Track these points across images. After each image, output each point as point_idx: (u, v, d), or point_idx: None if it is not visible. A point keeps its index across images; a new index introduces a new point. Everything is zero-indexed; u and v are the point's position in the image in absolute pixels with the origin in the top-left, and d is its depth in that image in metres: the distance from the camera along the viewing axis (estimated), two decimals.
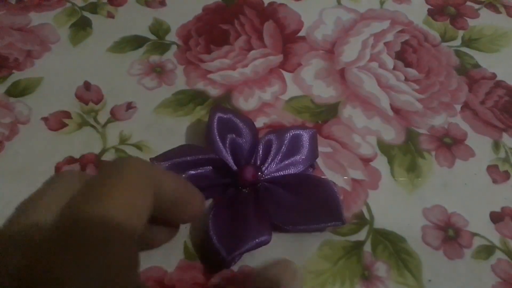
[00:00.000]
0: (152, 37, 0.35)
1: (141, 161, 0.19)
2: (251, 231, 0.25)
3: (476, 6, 0.39)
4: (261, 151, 0.28)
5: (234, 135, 0.28)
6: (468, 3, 0.40)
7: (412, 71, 0.34)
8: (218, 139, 0.28)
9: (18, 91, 0.31)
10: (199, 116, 0.31)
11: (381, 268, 0.26)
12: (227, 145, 0.28)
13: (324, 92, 0.33)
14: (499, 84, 0.34)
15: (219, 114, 0.28)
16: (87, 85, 0.32)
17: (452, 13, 0.39)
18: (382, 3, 0.39)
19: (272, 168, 0.28)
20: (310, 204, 0.26)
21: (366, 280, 0.25)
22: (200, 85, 0.33)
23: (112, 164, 0.18)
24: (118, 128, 0.30)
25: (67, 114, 0.31)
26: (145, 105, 0.31)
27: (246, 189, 0.27)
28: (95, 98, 0.31)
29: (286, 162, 0.28)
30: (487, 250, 0.27)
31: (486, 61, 0.36)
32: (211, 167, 0.27)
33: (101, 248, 0.15)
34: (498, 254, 0.27)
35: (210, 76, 0.33)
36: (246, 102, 0.32)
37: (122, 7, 0.37)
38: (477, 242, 0.27)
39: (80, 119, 0.30)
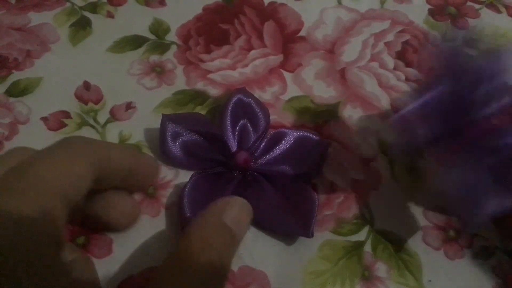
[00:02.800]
0: (152, 37, 0.35)
1: (83, 138, 0.21)
2: None
3: (477, 6, 0.39)
4: (266, 142, 0.29)
5: (247, 121, 0.29)
6: (469, 3, 0.40)
7: (413, 71, 0.34)
8: (228, 118, 0.29)
9: (18, 91, 0.31)
10: None
11: (381, 269, 0.26)
12: (237, 127, 0.29)
13: (325, 92, 0.33)
14: None
15: (239, 96, 0.29)
16: (86, 85, 0.32)
17: (452, 13, 0.39)
18: (382, 3, 0.39)
19: (269, 162, 0.28)
20: (287, 207, 0.26)
21: (366, 281, 0.25)
22: (200, 85, 0.33)
23: (57, 141, 0.20)
24: (118, 128, 0.30)
25: (67, 114, 0.31)
26: (145, 105, 0.31)
27: (236, 172, 0.27)
28: (94, 98, 0.31)
29: (286, 161, 0.28)
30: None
31: None
32: (210, 140, 0.28)
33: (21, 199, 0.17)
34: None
35: (210, 76, 0.33)
36: None
37: (122, 7, 0.37)
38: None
39: (79, 119, 0.30)
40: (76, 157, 0.19)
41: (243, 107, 0.29)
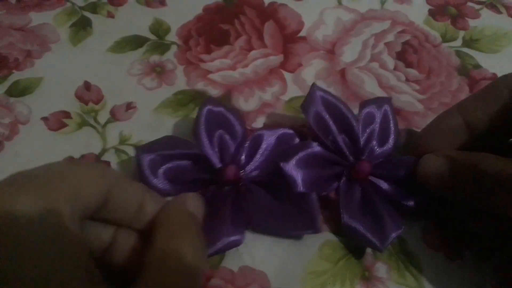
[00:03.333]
0: (152, 37, 0.35)
1: (96, 164, 0.22)
2: (225, 230, 0.24)
3: (477, 7, 0.39)
4: (247, 148, 0.28)
5: (223, 131, 0.27)
6: (469, 4, 0.40)
7: (413, 72, 0.34)
8: (204, 134, 0.27)
9: (18, 91, 0.31)
10: None
11: (381, 269, 0.26)
12: (214, 140, 0.27)
13: None
14: None
15: (209, 107, 0.27)
16: (87, 85, 0.32)
17: (453, 13, 0.39)
18: (382, 3, 0.39)
19: (256, 167, 0.27)
20: (288, 208, 0.26)
21: (366, 281, 0.25)
22: (200, 85, 0.33)
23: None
24: (118, 128, 0.30)
25: (67, 114, 0.31)
26: (145, 105, 0.31)
27: (227, 187, 0.26)
28: (95, 98, 0.31)
29: (273, 162, 0.27)
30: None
31: (487, 62, 0.35)
32: (191, 161, 0.27)
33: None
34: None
35: (210, 76, 0.33)
36: (246, 102, 0.32)
37: (122, 7, 0.37)
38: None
39: (80, 119, 0.30)
40: (85, 168, 0.19)
41: (215, 117, 0.27)
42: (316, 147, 0.26)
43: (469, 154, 0.24)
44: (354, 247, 0.26)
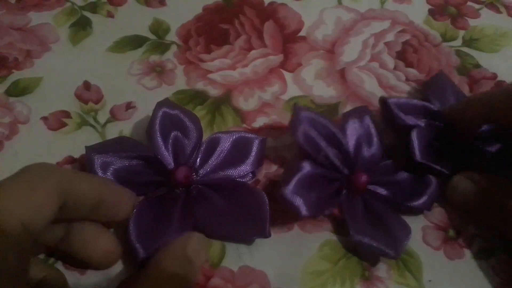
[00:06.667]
0: (152, 36, 0.35)
1: (46, 165, 0.21)
2: (170, 233, 0.24)
3: (477, 6, 0.39)
4: (202, 151, 0.27)
5: (178, 133, 0.27)
6: (469, 3, 0.40)
7: (413, 71, 0.34)
8: (158, 135, 0.26)
9: (18, 90, 0.31)
10: (199, 116, 0.31)
11: (381, 269, 0.26)
12: (169, 142, 0.26)
13: (325, 92, 0.33)
14: (500, 84, 0.34)
15: (164, 109, 0.27)
16: (86, 85, 0.32)
17: (452, 13, 0.39)
18: (382, 3, 0.39)
19: (210, 171, 0.27)
20: (239, 213, 0.25)
21: (366, 281, 0.25)
22: (200, 85, 0.33)
23: (19, 170, 0.20)
24: (118, 127, 0.30)
25: (67, 114, 0.31)
26: (145, 105, 0.31)
27: (178, 190, 0.26)
28: (94, 97, 0.31)
29: (228, 166, 0.27)
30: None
31: (487, 61, 0.35)
32: (143, 163, 0.26)
33: None
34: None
35: (210, 76, 0.33)
36: (246, 102, 0.32)
37: (122, 7, 0.37)
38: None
39: (79, 119, 0.30)
40: (36, 184, 0.19)
41: (170, 119, 0.27)
42: (307, 167, 0.26)
43: (499, 183, 0.25)
44: (354, 247, 0.26)
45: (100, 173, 0.25)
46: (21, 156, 0.29)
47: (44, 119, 0.30)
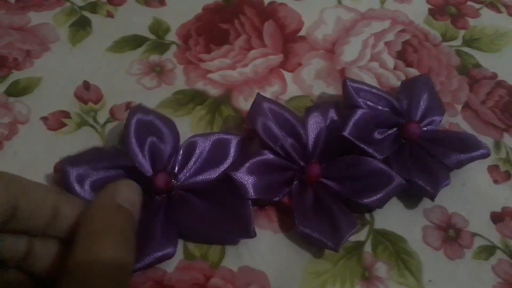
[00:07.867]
0: (152, 36, 0.35)
1: None
2: (155, 243, 0.24)
3: (477, 6, 0.39)
4: (181, 156, 0.27)
5: (155, 138, 0.26)
6: (469, 3, 0.40)
7: (413, 71, 0.34)
8: (133, 142, 0.25)
9: (17, 90, 0.31)
10: (199, 116, 0.31)
11: (381, 269, 0.26)
12: (146, 148, 0.26)
13: (325, 92, 0.33)
14: (500, 84, 0.34)
15: (138, 116, 0.26)
16: (86, 85, 0.32)
17: (453, 12, 0.39)
18: (382, 3, 0.39)
19: (190, 175, 0.27)
20: (222, 214, 0.25)
21: (366, 281, 0.25)
22: (200, 85, 0.33)
23: None
24: (118, 127, 0.30)
25: (66, 114, 0.31)
26: (145, 104, 0.31)
27: (159, 196, 0.26)
28: (94, 97, 0.31)
29: (207, 168, 0.27)
30: (488, 251, 0.27)
31: (487, 61, 0.35)
32: (122, 172, 0.26)
33: None
34: (499, 255, 0.27)
35: (210, 75, 0.33)
36: (246, 102, 0.32)
37: (121, 7, 0.37)
38: (477, 242, 0.27)
39: (79, 119, 0.30)
40: None
41: (145, 126, 0.26)
42: (267, 155, 0.27)
43: None
44: (354, 247, 0.26)
45: (76, 186, 0.25)
46: (20, 156, 0.29)
47: (44, 119, 0.30)
